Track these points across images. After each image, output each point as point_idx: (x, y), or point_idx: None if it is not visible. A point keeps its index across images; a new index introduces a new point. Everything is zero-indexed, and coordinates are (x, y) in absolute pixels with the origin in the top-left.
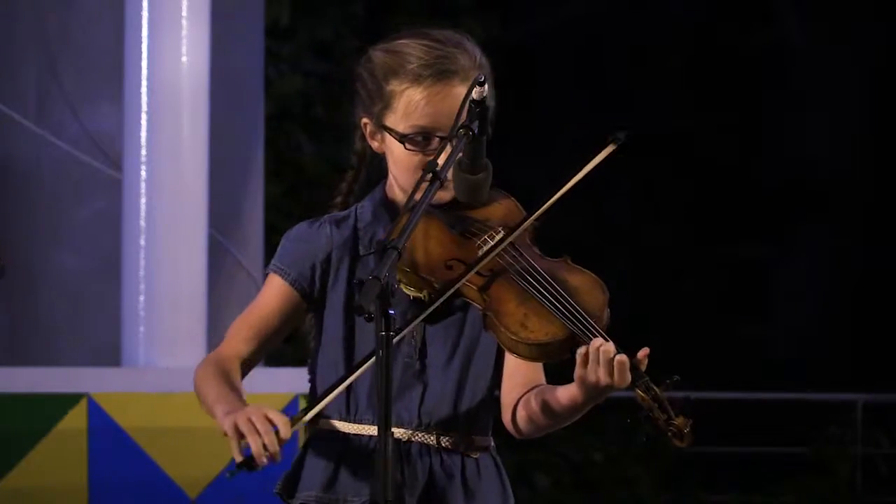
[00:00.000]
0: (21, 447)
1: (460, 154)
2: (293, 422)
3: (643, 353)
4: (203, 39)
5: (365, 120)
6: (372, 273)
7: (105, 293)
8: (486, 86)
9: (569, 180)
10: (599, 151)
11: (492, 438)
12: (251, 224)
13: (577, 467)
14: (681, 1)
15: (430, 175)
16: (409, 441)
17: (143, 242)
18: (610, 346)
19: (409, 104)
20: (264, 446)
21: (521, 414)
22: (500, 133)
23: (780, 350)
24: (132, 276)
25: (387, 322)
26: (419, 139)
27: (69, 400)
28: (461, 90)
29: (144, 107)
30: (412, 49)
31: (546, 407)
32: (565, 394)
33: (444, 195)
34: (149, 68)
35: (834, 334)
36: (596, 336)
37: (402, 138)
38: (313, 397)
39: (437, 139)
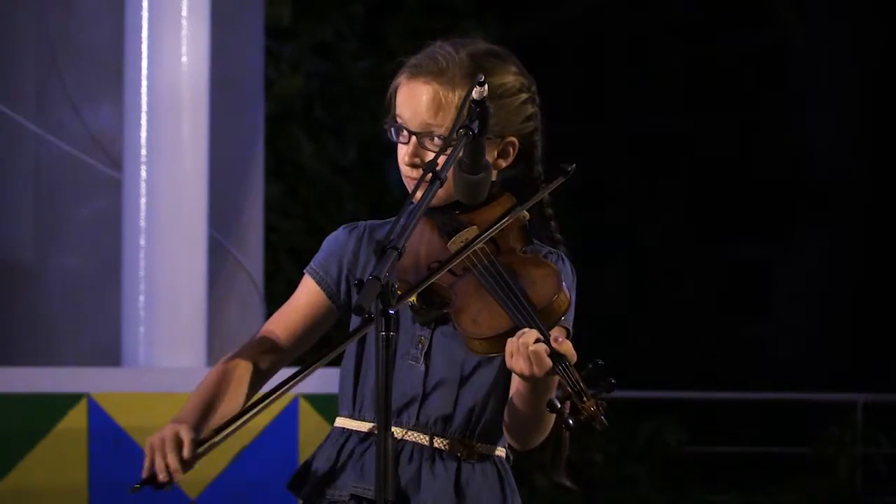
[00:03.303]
0: (21, 447)
1: (460, 154)
2: (199, 444)
3: (554, 337)
4: (203, 39)
5: None
6: (372, 273)
7: (105, 293)
8: (486, 86)
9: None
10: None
11: (503, 448)
12: (251, 224)
13: (576, 467)
14: (681, 1)
15: (429, 175)
16: (402, 439)
17: (143, 242)
18: (528, 338)
19: (396, 92)
20: (166, 465)
21: (504, 421)
22: None
23: (780, 350)
24: (132, 276)
25: (387, 322)
26: (396, 128)
27: (69, 400)
28: (429, 91)
29: (144, 107)
30: (428, 45)
31: (510, 409)
32: (517, 391)
33: (419, 194)
34: (149, 68)
35: (834, 334)
36: (532, 327)
37: (384, 123)
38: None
39: (408, 134)
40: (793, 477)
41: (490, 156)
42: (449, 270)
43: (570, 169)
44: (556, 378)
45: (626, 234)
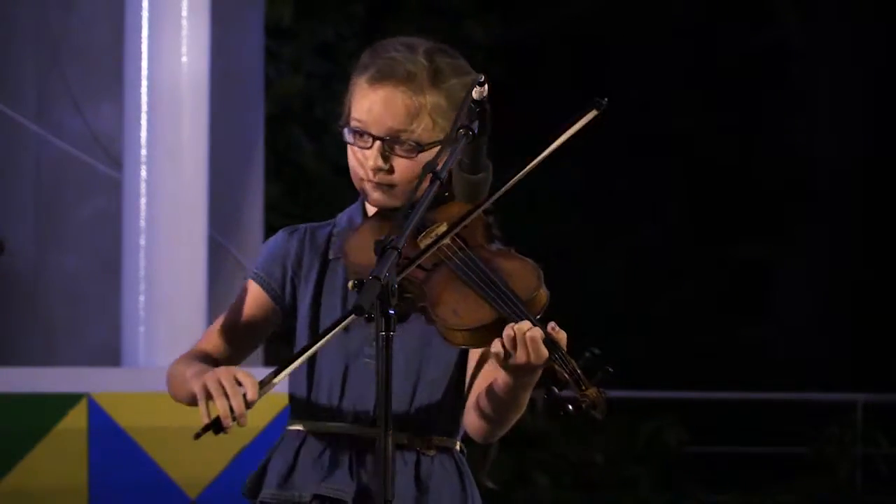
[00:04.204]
0: (21, 447)
1: (460, 154)
2: (262, 385)
3: (551, 325)
4: (203, 39)
5: None
6: (372, 273)
7: (105, 293)
8: (486, 86)
9: (546, 147)
10: (580, 117)
11: (458, 441)
12: (251, 224)
13: (577, 467)
14: (681, 1)
15: (429, 175)
16: (361, 437)
17: (143, 242)
18: (524, 326)
19: (354, 96)
20: (231, 408)
21: (472, 414)
22: (499, 133)
23: (780, 350)
24: (132, 276)
25: (387, 322)
26: (356, 132)
27: (69, 400)
28: (397, 96)
29: (144, 107)
30: (380, 47)
31: (486, 402)
32: (497, 382)
33: (382, 199)
34: (149, 68)
35: (834, 334)
36: (521, 316)
37: (342, 126)
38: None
39: (371, 139)
40: (793, 477)
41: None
42: (419, 266)
43: (603, 102)
44: (541, 369)
45: (626, 233)
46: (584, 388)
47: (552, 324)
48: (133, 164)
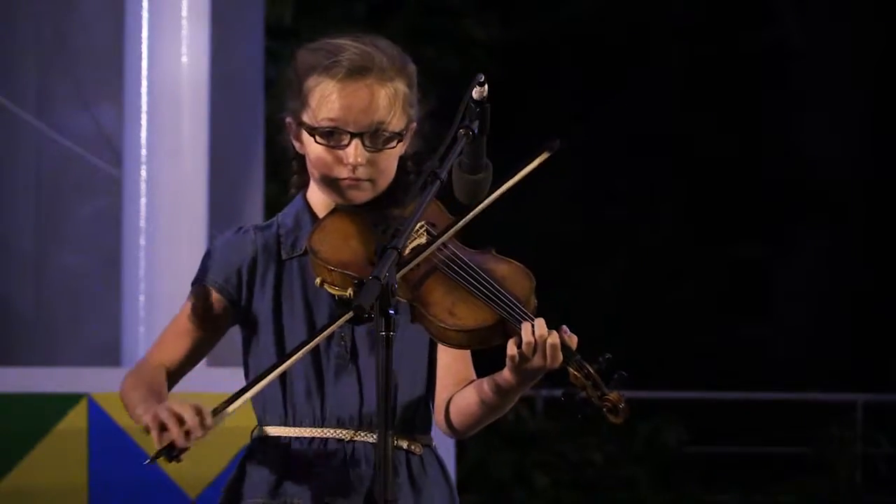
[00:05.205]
0: (21, 447)
1: (461, 154)
2: (215, 412)
3: (564, 329)
4: (203, 39)
5: (288, 119)
6: (372, 273)
7: (105, 292)
8: (486, 86)
9: (502, 184)
10: (534, 158)
11: (432, 437)
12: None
13: (576, 467)
14: (681, 1)
15: (430, 175)
16: (351, 441)
17: (143, 242)
18: (543, 330)
19: (321, 97)
20: (186, 433)
21: (454, 410)
22: (499, 133)
23: (780, 350)
24: (132, 276)
25: (387, 322)
26: (328, 133)
27: (69, 400)
28: (375, 89)
29: (144, 107)
30: (331, 46)
31: (480, 398)
32: (499, 381)
33: (360, 195)
34: (149, 68)
35: (834, 334)
36: (526, 319)
37: (312, 130)
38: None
39: (348, 136)
40: (793, 477)
41: (408, 145)
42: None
43: (555, 145)
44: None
45: (626, 233)
46: (603, 392)
47: (564, 328)
48: (133, 163)
